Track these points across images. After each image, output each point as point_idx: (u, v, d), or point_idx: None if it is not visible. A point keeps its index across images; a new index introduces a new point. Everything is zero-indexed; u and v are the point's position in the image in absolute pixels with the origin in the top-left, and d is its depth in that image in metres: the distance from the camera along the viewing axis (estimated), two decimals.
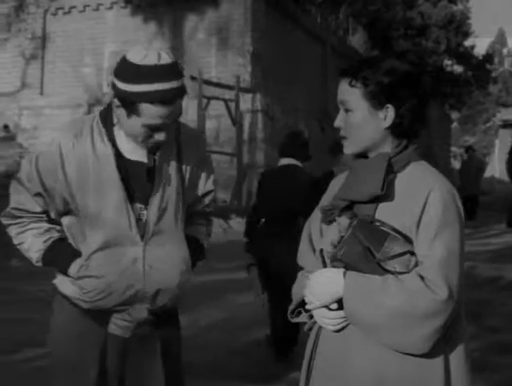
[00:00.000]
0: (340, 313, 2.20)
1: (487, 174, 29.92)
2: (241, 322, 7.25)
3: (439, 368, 2.16)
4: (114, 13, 18.72)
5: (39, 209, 2.71)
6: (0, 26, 19.92)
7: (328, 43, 21.77)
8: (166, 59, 2.51)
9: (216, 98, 16.54)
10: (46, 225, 2.74)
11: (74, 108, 18.41)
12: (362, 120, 2.29)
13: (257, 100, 17.29)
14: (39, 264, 2.76)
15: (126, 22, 18.45)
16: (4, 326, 7.03)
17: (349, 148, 2.34)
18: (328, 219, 2.30)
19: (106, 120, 2.67)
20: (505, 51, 51.89)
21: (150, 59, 2.49)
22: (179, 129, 2.78)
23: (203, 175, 2.89)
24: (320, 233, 2.38)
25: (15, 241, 2.79)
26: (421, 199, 2.18)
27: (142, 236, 2.63)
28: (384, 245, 2.13)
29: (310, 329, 2.39)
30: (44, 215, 2.73)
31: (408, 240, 2.15)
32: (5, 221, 2.80)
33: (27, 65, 19.44)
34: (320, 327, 2.31)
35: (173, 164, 2.72)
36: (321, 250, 2.29)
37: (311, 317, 2.34)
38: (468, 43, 32.33)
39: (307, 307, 2.29)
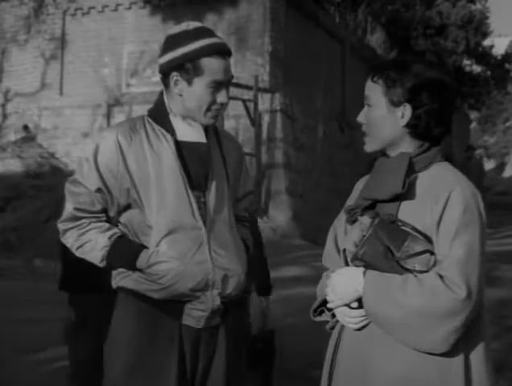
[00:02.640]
0: (361, 311, 2.23)
1: (506, 174, 29.71)
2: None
3: (460, 368, 2.15)
4: (133, 13, 18.74)
5: (98, 207, 2.72)
6: (20, 28, 20.03)
7: (346, 43, 21.69)
8: (206, 26, 2.77)
9: (235, 98, 16.53)
10: (106, 224, 2.75)
11: (93, 109, 18.46)
12: (381, 116, 2.32)
13: (276, 100, 17.25)
14: (103, 263, 2.73)
15: (145, 22, 18.47)
16: (26, 326, 7.06)
17: (369, 145, 2.38)
18: (352, 218, 2.33)
19: (157, 115, 2.78)
20: None
21: (195, 24, 2.74)
22: (217, 129, 2.91)
23: (242, 176, 2.98)
24: (345, 233, 2.40)
25: (75, 245, 2.76)
26: (442, 199, 2.19)
27: (204, 223, 2.69)
28: (404, 244, 2.15)
29: (332, 327, 2.41)
30: (103, 215, 2.75)
31: (428, 240, 2.17)
32: (63, 226, 2.78)
33: (47, 66, 19.52)
34: (343, 326, 2.33)
35: (219, 158, 2.83)
36: (344, 250, 2.33)
37: (334, 316, 2.36)
38: (487, 42, 32.17)
39: (328, 306, 2.33)
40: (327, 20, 20.84)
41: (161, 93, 2.81)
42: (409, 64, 2.30)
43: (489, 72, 32.50)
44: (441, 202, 2.19)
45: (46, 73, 19.53)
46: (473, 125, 42.97)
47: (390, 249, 2.16)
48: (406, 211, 2.22)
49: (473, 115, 41.51)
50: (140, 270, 2.66)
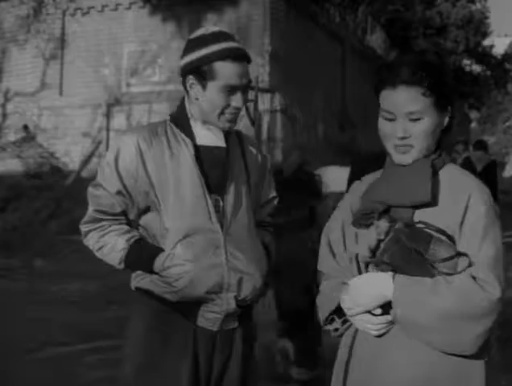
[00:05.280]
0: (386, 317, 2.18)
1: (506, 173, 29.71)
2: (258, 319, 7.22)
3: (481, 368, 2.16)
4: (133, 13, 18.76)
5: (119, 209, 2.76)
6: (19, 28, 20.04)
7: (346, 43, 21.71)
8: (226, 30, 2.77)
9: None
10: (126, 227, 2.79)
11: (93, 109, 18.47)
12: (433, 127, 2.23)
13: (275, 100, 17.25)
14: (122, 265, 2.77)
15: (145, 21, 18.48)
16: (27, 325, 7.06)
17: (411, 156, 2.25)
18: (367, 222, 2.28)
19: (178, 119, 2.81)
20: None
21: (213, 28, 2.76)
22: (241, 136, 2.94)
23: (265, 182, 3.00)
24: (355, 237, 2.34)
25: (96, 246, 2.80)
26: (462, 201, 2.18)
27: (221, 227, 2.70)
28: (430, 247, 2.12)
29: (340, 335, 2.36)
30: (123, 218, 2.79)
31: (452, 241, 2.15)
32: (85, 228, 2.83)
33: (47, 66, 19.52)
34: (357, 331, 2.28)
35: (240, 163, 2.85)
36: (357, 255, 2.27)
37: (344, 323, 2.32)
38: (487, 42, 32.19)
39: (349, 313, 2.25)
40: (327, 20, 20.86)
41: (183, 98, 2.84)
42: (439, 66, 2.26)
43: (488, 72, 32.52)
44: (461, 203, 2.18)
45: (46, 73, 19.53)
46: (473, 124, 42.97)
47: (417, 252, 2.13)
48: (423, 214, 2.20)
49: (473, 115, 41.51)
50: (157, 273, 2.69)
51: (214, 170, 2.75)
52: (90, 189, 2.83)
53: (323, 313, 2.37)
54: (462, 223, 2.17)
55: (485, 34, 31.64)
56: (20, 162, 17.62)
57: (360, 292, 2.20)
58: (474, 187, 2.22)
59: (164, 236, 2.69)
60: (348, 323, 2.31)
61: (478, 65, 32.71)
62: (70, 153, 18.32)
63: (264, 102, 17.09)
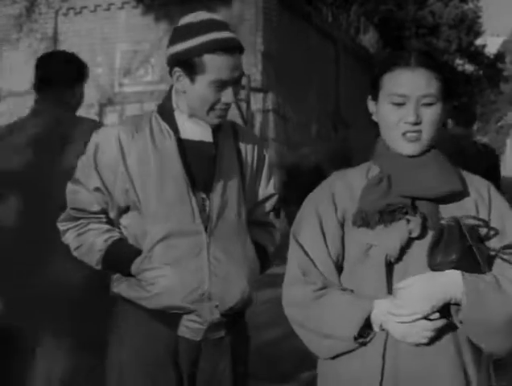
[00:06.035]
0: (443, 321, 2.02)
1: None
2: (257, 320, 7.24)
3: None
4: (126, 12, 18.72)
5: (97, 208, 2.58)
6: (12, 27, 19.98)
7: (339, 43, 21.72)
8: (218, 17, 2.55)
9: None
10: (105, 226, 2.61)
11: (86, 108, 18.38)
12: (441, 116, 2.13)
13: (268, 99, 17.25)
14: (99, 266, 2.60)
15: (138, 21, 18.45)
16: None
17: (422, 144, 2.13)
18: (395, 218, 2.09)
19: (164, 110, 2.61)
20: None
21: (204, 16, 2.53)
22: (237, 127, 2.75)
23: (263, 177, 2.77)
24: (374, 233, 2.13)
25: (73, 245, 2.65)
26: (485, 194, 2.16)
27: (206, 228, 2.49)
28: (483, 241, 2.08)
29: (365, 343, 2.11)
30: (103, 216, 2.61)
31: (496, 231, 2.10)
32: (63, 227, 2.68)
33: None
34: (388, 337, 2.07)
35: (233, 158, 2.63)
36: (386, 255, 2.07)
37: (367, 335, 2.09)
38: (479, 42, 32.25)
39: (400, 320, 2.01)
40: (319, 20, 20.86)
41: (170, 88, 2.64)
42: (439, 55, 2.24)
43: (481, 72, 32.57)
44: (485, 197, 2.15)
45: None
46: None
47: (470, 248, 2.03)
48: (448, 208, 2.12)
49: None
50: (134, 276, 2.52)
51: (200, 166, 2.54)
52: (69, 185, 2.65)
53: (349, 327, 2.06)
54: (490, 214, 2.13)
55: (477, 34, 31.67)
56: None
57: (420, 295, 1.99)
58: (485, 182, 2.20)
59: (144, 237, 2.50)
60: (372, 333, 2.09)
61: (471, 65, 32.75)
62: None
63: (256, 102, 17.10)
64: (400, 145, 2.13)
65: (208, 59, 2.43)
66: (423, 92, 2.08)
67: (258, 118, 17.19)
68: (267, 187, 2.78)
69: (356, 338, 2.07)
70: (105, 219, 2.62)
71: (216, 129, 2.61)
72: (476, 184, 2.19)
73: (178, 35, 2.51)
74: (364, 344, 2.08)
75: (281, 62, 17.72)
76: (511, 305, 2.00)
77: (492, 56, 32.96)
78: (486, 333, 2.02)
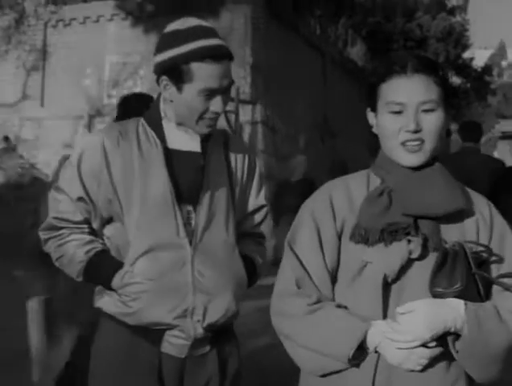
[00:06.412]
0: (440, 349, 1.95)
1: None
2: (252, 327, 7.24)
3: None
4: (115, 24, 18.75)
5: (79, 217, 2.50)
6: (0, 39, 19.96)
7: (327, 55, 21.80)
8: (206, 23, 2.46)
9: None
10: (88, 237, 2.52)
11: (75, 120, 18.42)
12: (443, 123, 2.05)
13: (257, 111, 17.29)
14: (80, 278, 2.52)
15: (127, 33, 18.48)
16: (6, 335, 7.04)
17: (424, 154, 2.03)
18: (396, 238, 2.00)
19: (151, 118, 2.52)
20: (504, 63, 51.94)
21: (192, 22, 2.46)
22: (227, 136, 2.67)
23: (253, 187, 2.68)
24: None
25: (54, 256, 2.57)
26: (486, 213, 2.09)
27: (191, 241, 2.41)
28: (484, 267, 2.00)
29: (358, 364, 2.03)
30: (86, 226, 2.52)
31: (495, 256, 2.03)
32: (44, 235, 2.59)
33: (28, 76, 19.46)
34: (379, 360, 2.00)
35: (222, 168, 2.54)
36: (384, 275, 1.98)
37: (362, 359, 2.02)
38: (467, 54, 32.45)
39: (400, 346, 1.92)
40: (308, 32, 20.94)
41: (158, 96, 2.57)
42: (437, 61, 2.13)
43: (469, 84, 32.74)
44: (486, 217, 2.08)
45: (27, 84, 19.46)
46: (453, 136, 43.21)
47: (479, 274, 1.96)
48: (448, 228, 2.04)
49: (453, 127, 41.75)
50: (115, 291, 2.44)
51: (187, 177, 2.45)
52: (52, 192, 2.56)
53: (343, 347, 1.98)
54: (491, 236, 2.07)
55: (465, 47, 31.87)
56: (0, 173, 17.53)
57: (421, 322, 1.90)
58: (486, 200, 2.13)
59: (127, 249, 2.42)
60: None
61: (458, 77, 32.93)
62: (51, 164, 18.25)
63: (245, 113, 17.14)
64: (400, 156, 2.04)
65: (195, 67, 2.34)
66: (422, 99, 1.99)
67: (247, 130, 17.22)
68: (258, 198, 2.70)
69: (349, 359, 1.98)
70: (87, 230, 2.53)
71: (205, 138, 2.52)
72: (478, 203, 2.11)
73: (164, 43, 2.46)
74: (357, 365, 2.00)
75: (269, 74, 17.78)
76: (510, 338, 1.94)
77: (479, 69, 33.18)
78: (481, 364, 1.95)
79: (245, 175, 2.63)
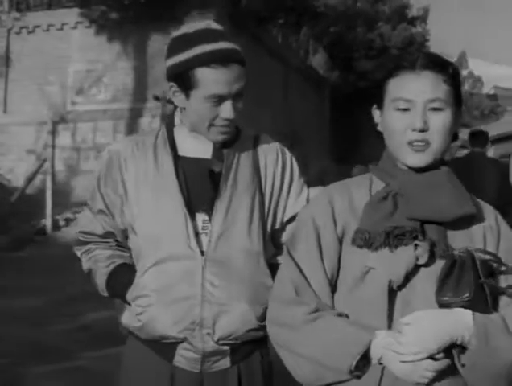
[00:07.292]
0: (447, 361, 1.83)
1: None
2: None
3: None
4: (79, 32, 18.81)
5: (101, 230, 2.44)
6: None
7: (289, 64, 22.03)
8: (217, 26, 2.33)
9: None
10: (109, 252, 2.45)
11: (38, 126, 18.41)
12: (451, 124, 1.94)
13: None
14: (105, 293, 2.44)
15: (91, 41, 18.54)
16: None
17: (430, 155, 1.94)
18: (398, 243, 1.91)
19: (167, 125, 2.44)
20: (465, 72, 52.69)
21: (200, 25, 2.30)
22: (258, 140, 2.55)
23: (291, 193, 2.47)
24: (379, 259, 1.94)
25: (86, 272, 2.52)
26: (492, 221, 2.02)
27: (203, 252, 2.27)
28: (492, 277, 1.91)
29: (360, 376, 1.89)
30: (111, 240, 2.46)
31: (504, 265, 1.94)
32: (77, 251, 2.56)
33: None
34: (384, 373, 1.87)
35: (247, 173, 2.39)
36: (390, 281, 1.88)
37: (363, 372, 1.89)
38: None
39: (404, 360, 1.81)
40: (270, 41, 21.13)
41: None
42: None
43: None
44: (493, 225, 2.00)
45: None
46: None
47: (488, 284, 1.87)
48: (454, 234, 1.94)
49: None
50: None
51: (197, 184, 2.32)
52: (82, 210, 2.55)
53: (345, 358, 1.86)
54: (498, 244, 1.98)
55: None
56: None
57: (427, 333, 1.80)
58: (492, 208, 2.06)
59: (139, 262, 2.35)
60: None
61: None
62: (14, 171, 18.23)
63: None
64: (406, 156, 1.94)
65: (200, 72, 2.21)
66: (430, 97, 1.89)
67: None
68: (295, 204, 2.46)
69: (351, 371, 1.86)
70: (112, 243, 2.47)
71: (227, 144, 2.40)
72: (484, 210, 2.03)
73: (172, 48, 2.31)
74: (358, 377, 1.88)
75: None
76: None
77: None
78: (486, 380, 1.85)
79: (277, 180, 2.44)
